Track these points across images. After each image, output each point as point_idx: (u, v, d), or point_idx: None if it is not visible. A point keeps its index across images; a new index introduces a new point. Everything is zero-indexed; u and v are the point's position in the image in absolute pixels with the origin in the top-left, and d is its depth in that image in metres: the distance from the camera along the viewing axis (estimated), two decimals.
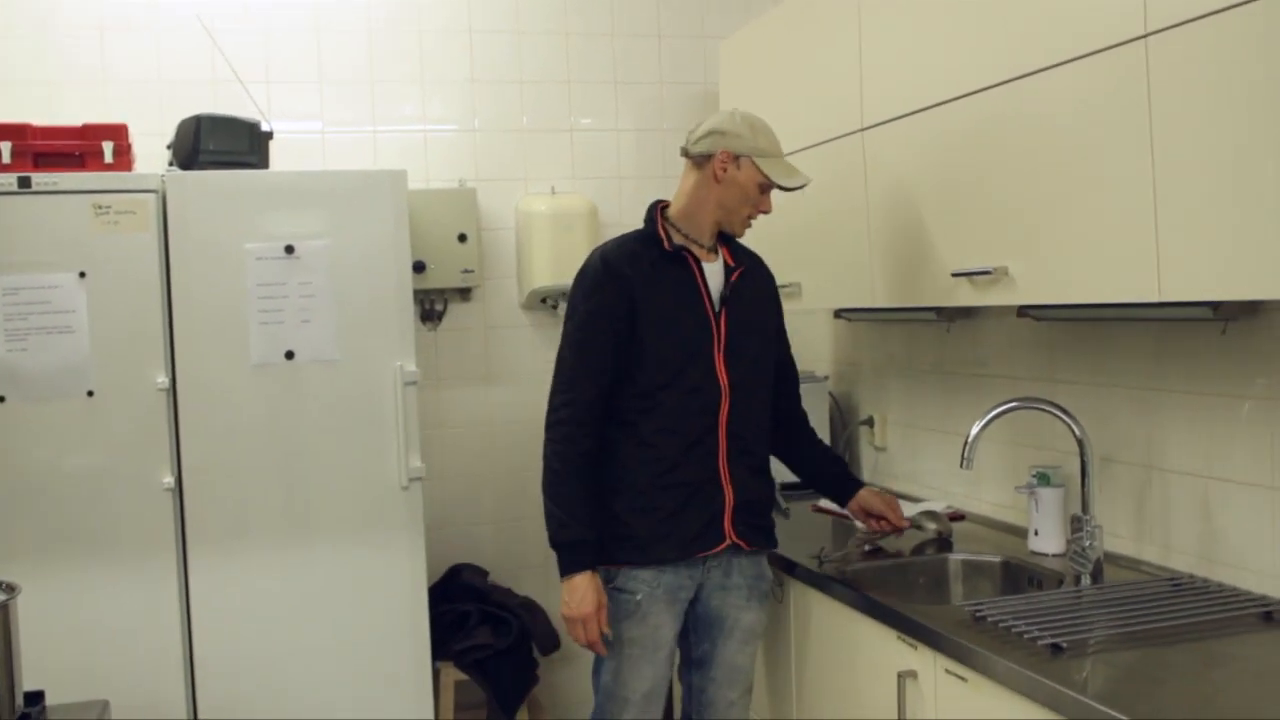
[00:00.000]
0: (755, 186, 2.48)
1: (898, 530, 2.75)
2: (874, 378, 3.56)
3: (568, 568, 2.41)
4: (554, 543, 2.43)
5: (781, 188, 2.49)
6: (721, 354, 2.47)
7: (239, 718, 2.92)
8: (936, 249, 2.53)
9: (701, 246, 2.51)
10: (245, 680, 2.93)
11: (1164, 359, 2.41)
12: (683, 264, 2.48)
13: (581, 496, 2.41)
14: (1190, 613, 2.05)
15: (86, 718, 2.03)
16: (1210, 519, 2.30)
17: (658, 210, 2.54)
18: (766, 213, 2.55)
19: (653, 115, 4.01)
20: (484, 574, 3.75)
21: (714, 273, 2.52)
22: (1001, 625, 2.03)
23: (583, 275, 2.49)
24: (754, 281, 2.60)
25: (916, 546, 2.76)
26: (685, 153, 2.53)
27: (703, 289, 2.48)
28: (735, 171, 2.46)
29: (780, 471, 2.69)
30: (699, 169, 2.50)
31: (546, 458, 2.44)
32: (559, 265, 3.72)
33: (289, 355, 2.96)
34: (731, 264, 2.54)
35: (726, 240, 2.58)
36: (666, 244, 2.48)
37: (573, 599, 2.40)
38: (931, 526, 2.81)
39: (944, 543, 2.77)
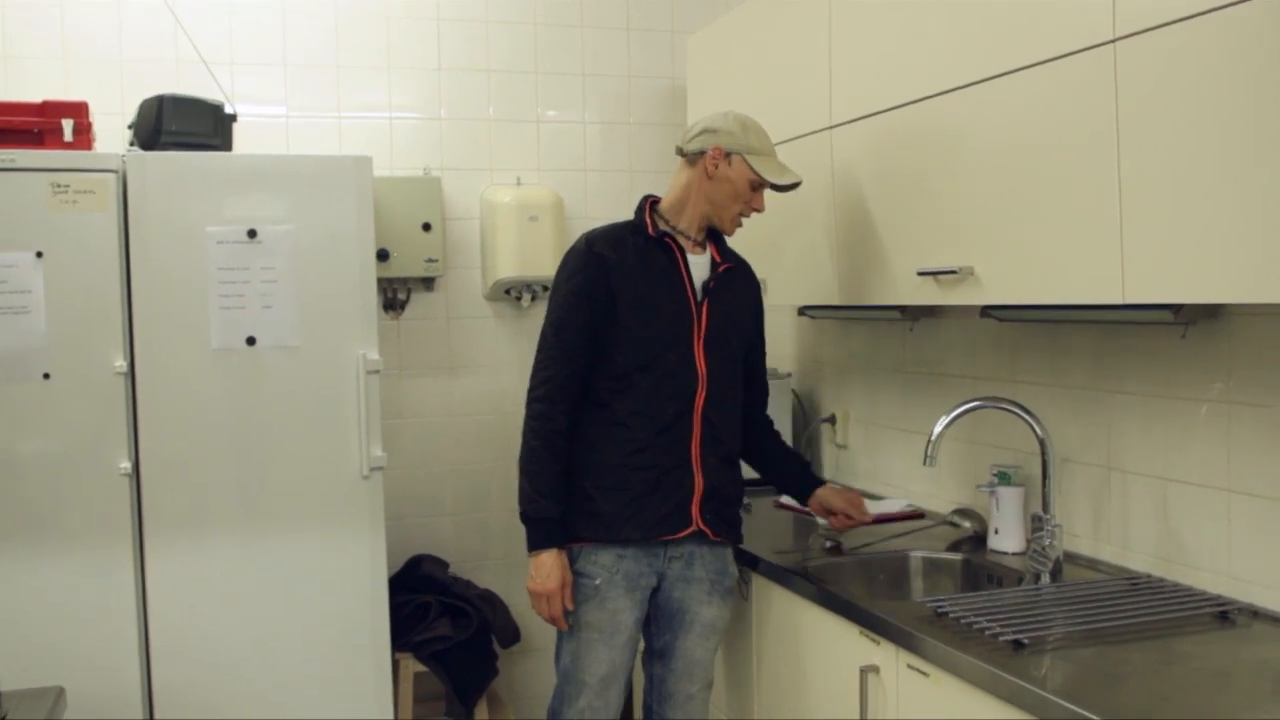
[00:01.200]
0: (746, 184, 2.52)
1: (862, 525, 2.76)
2: (836, 375, 3.58)
3: (535, 543, 2.45)
4: (524, 517, 2.47)
5: (773, 186, 2.53)
6: (701, 342, 2.50)
7: (195, 705, 2.88)
8: (903, 248, 2.55)
9: (687, 238, 2.55)
10: (202, 668, 2.89)
11: (1124, 361, 2.44)
12: (666, 251, 2.52)
13: (554, 473, 2.45)
14: (1147, 612, 2.09)
15: (41, 707, 2.00)
16: (1167, 520, 2.34)
17: (647, 203, 2.59)
18: (759, 211, 2.59)
19: (620, 108, 4.00)
20: (444, 565, 3.73)
21: (699, 264, 2.56)
22: (963, 621, 2.05)
23: (567, 257, 2.55)
24: (739, 282, 2.64)
25: (952, 543, 2.75)
26: (680, 151, 2.59)
27: (685, 277, 2.52)
28: (726, 168, 2.51)
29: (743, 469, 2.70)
30: (691, 166, 2.56)
31: (525, 433, 2.48)
32: (523, 256, 3.71)
33: (250, 341, 2.92)
34: (718, 260, 2.58)
35: (717, 240, 2.62)
36: (651, 229, 2.52)
37: (539, 574, 2.43)
38: (967, 525, 2.79)
39: (978, 539, 2.74)
